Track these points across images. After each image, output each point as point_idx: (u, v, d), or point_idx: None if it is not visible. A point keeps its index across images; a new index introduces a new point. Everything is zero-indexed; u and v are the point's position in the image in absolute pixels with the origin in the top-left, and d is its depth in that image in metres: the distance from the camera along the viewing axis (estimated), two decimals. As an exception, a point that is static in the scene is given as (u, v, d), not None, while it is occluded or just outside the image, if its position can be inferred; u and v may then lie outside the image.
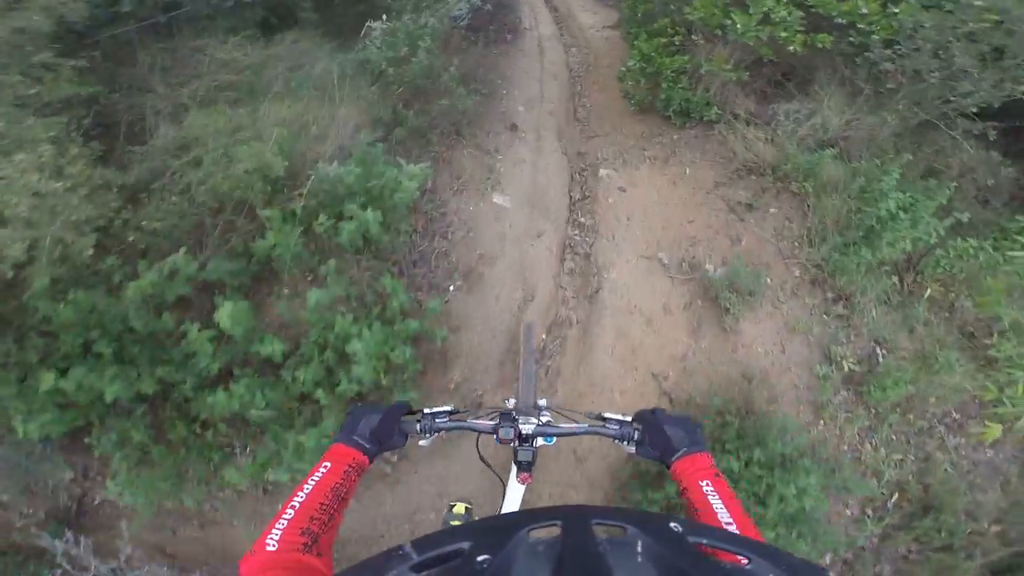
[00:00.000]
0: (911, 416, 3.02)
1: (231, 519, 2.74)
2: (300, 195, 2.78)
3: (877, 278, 3.07)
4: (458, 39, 4.00)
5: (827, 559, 2.74)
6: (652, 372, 2.97)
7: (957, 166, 3.40)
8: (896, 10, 3.12)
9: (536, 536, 0.55)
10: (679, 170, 3.53)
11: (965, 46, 3.00)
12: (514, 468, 1.21)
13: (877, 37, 3.22)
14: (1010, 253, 3.08)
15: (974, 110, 3.15)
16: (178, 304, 2.54)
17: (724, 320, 2.96)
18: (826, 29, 3.42)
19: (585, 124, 4.06)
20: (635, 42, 3.98)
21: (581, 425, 1.15)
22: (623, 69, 3.97)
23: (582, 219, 3.31)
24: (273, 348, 2.46)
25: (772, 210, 3.28)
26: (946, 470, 2.93)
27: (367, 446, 0.99)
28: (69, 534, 2.65)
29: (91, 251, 2.20)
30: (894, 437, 3.01)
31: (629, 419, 1.10)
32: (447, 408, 1.14)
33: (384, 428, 1.03)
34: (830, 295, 3.10)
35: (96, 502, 2.93)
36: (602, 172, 3.54)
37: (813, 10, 3.33)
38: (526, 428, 1.13)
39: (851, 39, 3.38)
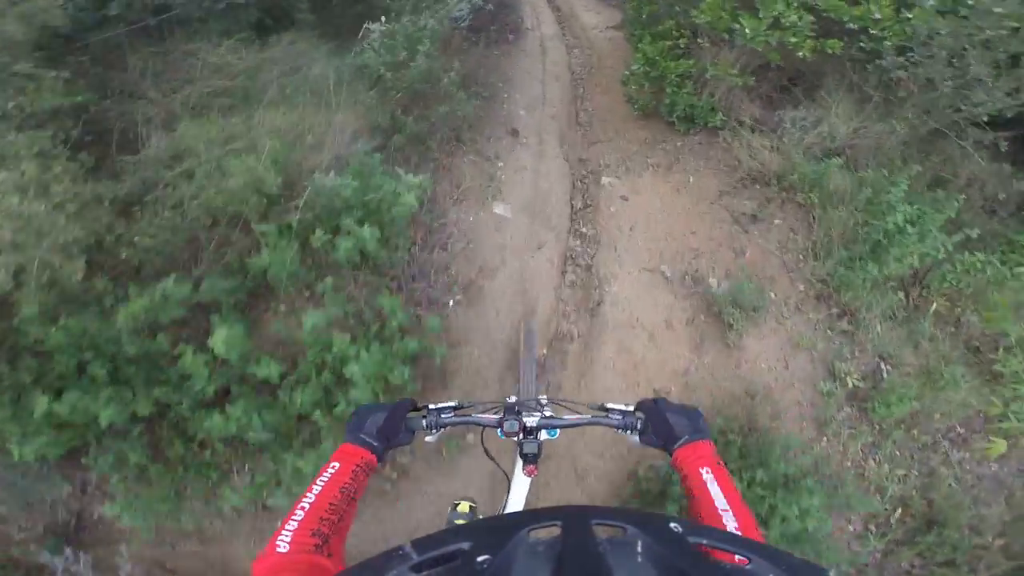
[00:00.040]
0: (915, 431, 2.95)
1: (231, 536, 2.67)
2: (296, 207, 2.66)
3: (883, 294, 2.96)
4: (459, 40, 3.83)
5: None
6: (654, 388, 2.88)
7: (965, 176, 3.27)
8: (910, 15, 2.97)
9: (536, 536, 0.55)
10: (683, 178, 3.40)
11: (981, 53, 2.86)
12: (519, 462, 1.19)
13: (889, 43, 3.06)
14: (1018, 269, 2.97)
15: (985, 119, 3.02)
16: (173, 323, 2.44)
17: (727, 336, 2.87)
18: (836, 34, 3.26)
19: (587, 129, 3.90)
20: (639, 44, 3.81)
21: (584, 416, 1.14)
22: (627, 73, 3.80)
23: (584, 229, 3.19)
24: (270, 370, 2.36)
25: (777, 221, 3.16)
26: (950, 485, 2.86)
27: (375, 444, 0.97)
28: (68, 551, 2.59)
29: (81, 275, 2.08)
30: (898, 452, 2.93)
31: (632, 409, 1.10)
32: (451, 404, 1.14)
33: (390, 425, 1.01)
34: (835, 310, 3.00)
35: (95, 516, 2.86)
36: (604, 180, 3.41)
37: (824, 14, 3.16)
38: (530, 421, 1.12)
39: (862, 45, 3.22)
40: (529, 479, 1.28)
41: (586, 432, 2.81)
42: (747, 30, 3.20)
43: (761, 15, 3.19)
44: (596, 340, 2.90)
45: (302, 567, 0.70)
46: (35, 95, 2.42)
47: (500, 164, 3.35)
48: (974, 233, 2.88)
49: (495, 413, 1.15)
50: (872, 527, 2.82)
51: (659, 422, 1.00)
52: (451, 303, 2.81)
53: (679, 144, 3.63)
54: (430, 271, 2.79)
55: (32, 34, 2.37)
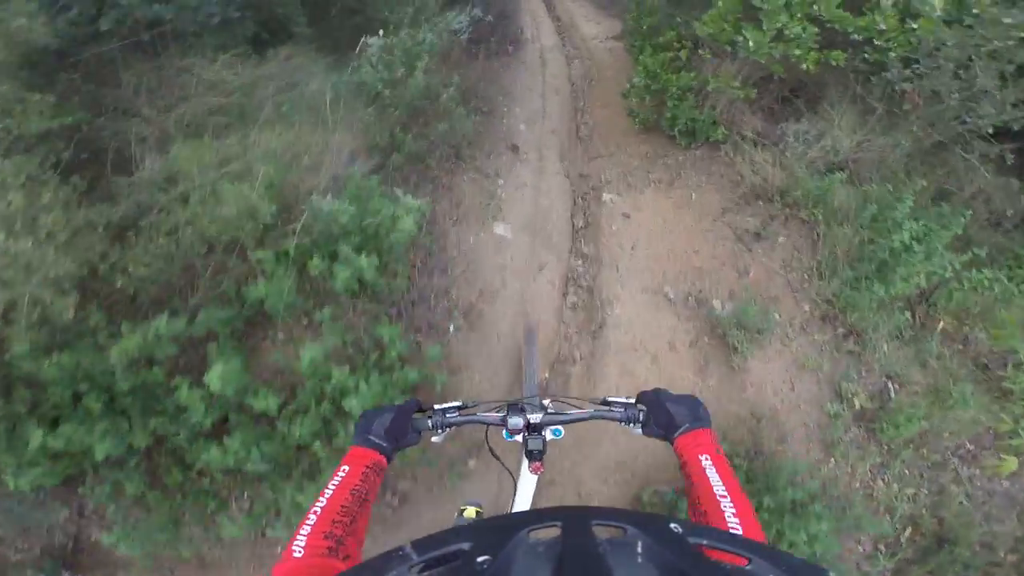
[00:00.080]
0: (924, 450, 2.87)
1: (230, 562, 2.60)
2: (294, 231, 2.55)
3: (889, 314, 2.87)
4: (458, 53, 3.70)
5: (839, 598, 2.62)
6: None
7: (970, 189, 3.18)
8: (915, 26, 2.85)
9: (537, 536, 0.54)
10: (685, 194, 3.30)
11: (987, 64, 2.75)
12: (524, 461, 1.20)
13: (894, 54, 2.95)
14: (1025, 286, 2.89)
15: (990, 131, 2.92)
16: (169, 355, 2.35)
17: (732, 359, 2.78)
18: (840, 45, 3.15)
19: (588, 143, 3.79)
20: (640, 57, 3.69)
21: (587, 411, 1.14)
22: (628, 86, 3.68)
23: (585, 249, 3.09)
24: (268, 403, 2.27)
25: (781, 239, 3.06)
26: (961, 502, 2.79)
27: (383, 445, 0.97)
28: (66, 575, 2.53)
29: (72, 311, 1.98)
30: (907, 472, 2.86)
31: (633, 401, 1.10)
32: (456, 404, 1.14)
33: (397, 426, 1.01)
34: (841, 331, 2.91)
35: (93, 539, 2.78)
36: (605, 196, 3.30)
37: (828, 25, 3.05)
38: (534, 417, 1.12)
39: (866, 56, 3.11)
40: (535, 476, 1.28)
41: (590, 457, 2.74)
42: (751, 43, 3.09)
43: (765, 27, 3.08)
44: (599, 363, 2.81)
45: (315, 571, 0.70)
46: (22, 118, 2.31)
47: (500, 181, 3.24)
48: (983, 252, 2.79)
49: (499, 412, 1.15)
50: (882, 547, 2.75)
51: (660, 412, 1.01)
52: (451, 328, 2.71)
53: (681, 159, 3.52)
54: (430, 295, 2.70)
55: (15, 55, 2.25)
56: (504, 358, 2.76)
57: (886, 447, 2.81)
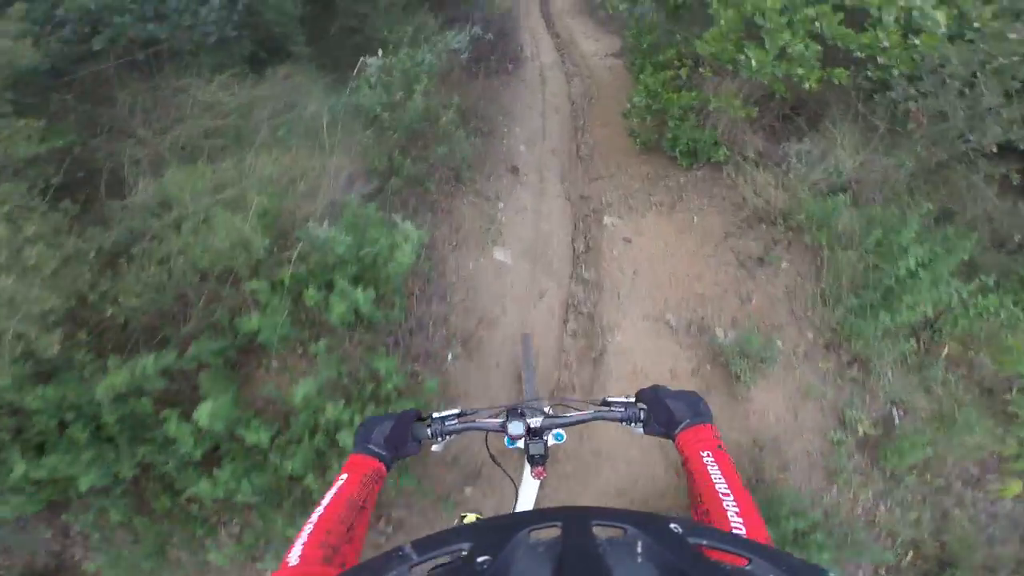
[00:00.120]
0: (928, 475, 2.79)
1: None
2: (289, 260, 2.46)
3: (895, 341, 2.78)
4: (458, 72, 3.61)
5: (841, 622, 2.53)
6: (660, 440, 2.67)
7: (972, 208, 3.08)
8: (917, 42, 2.76)
9: (536, 537, 0.53)
10: (686, 218, 3.20)
11: (992, 82, 2.67)
12: (527, 466, 1.17)
13: (897, 72, 2.86)
14: (1033, 313, 2.80)
15: (994, 149, 2.83)
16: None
17: (735, 387, 2.69)
18: (842, 63, 3.05)
19: (588, 163, 3.69)
20: (640, 75, 3.59)
21: (588, 412, 1.10)
22: (629, 106, 3.58)
23: (586, 274, 2.99)
24: (259, 437, 2.17)
25: (784, 265, 2.97)
26: (963, 526, 2.70)
27: (383, 453, 0.95)
28: (48, 598, 2.42)
29: (57, 347, 1.88)
30: (910, 497, 2.77)
31: (633, 400, 1.07)
32: (455, 411, 1.11)
33: (397, 435, 1.00)
34: (845, 358, 2.82)
35: (76, 558, 2.68)
36: (607, 220, 3.20)
37: (831, 43, 2.95)
38: (534, 422, 1.09)
39: (868, 74, 3.02)
40: (538, 482, 1.25)
41: (590, 485, 2.65)
42: (753, 62, 2.99)
43: (767, 46, 2.98)
44: (599, 391, 2.71)
45: None
46: (8, 143, 2.21)
47: (500, 204, 3.14)
48: (990, 280, 2.70)
49: (499, 418, 1.11)
50: (883, 572, 2.67)
51: (660, 409, 0.98)
52: (450, 356, 2.62)
53: (682, 180, 3.43)
54: (428, 324, 2.60)
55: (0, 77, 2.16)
56: (503, 386, 2.67)
57: (889, 473, 2.73)
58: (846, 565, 2.58)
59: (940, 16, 2.67)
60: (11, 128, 2.20)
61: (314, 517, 0.79)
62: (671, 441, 0.96)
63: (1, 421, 2.16)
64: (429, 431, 1.06)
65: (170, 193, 2.42)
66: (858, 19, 2.90)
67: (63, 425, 2.19)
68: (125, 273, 2.36)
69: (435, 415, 1.10)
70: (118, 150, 2.72)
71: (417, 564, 0.52)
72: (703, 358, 2.76)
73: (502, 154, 3.44)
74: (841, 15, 2.80)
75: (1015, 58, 2.59)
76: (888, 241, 2.83)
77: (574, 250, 3.12)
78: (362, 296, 2.14)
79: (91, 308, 2.32)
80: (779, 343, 2.79)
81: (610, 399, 1.09)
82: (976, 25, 2.70)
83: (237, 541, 2.42)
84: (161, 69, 3.08)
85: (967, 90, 2.76)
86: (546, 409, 1.18)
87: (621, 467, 2.68)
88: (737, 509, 0.75)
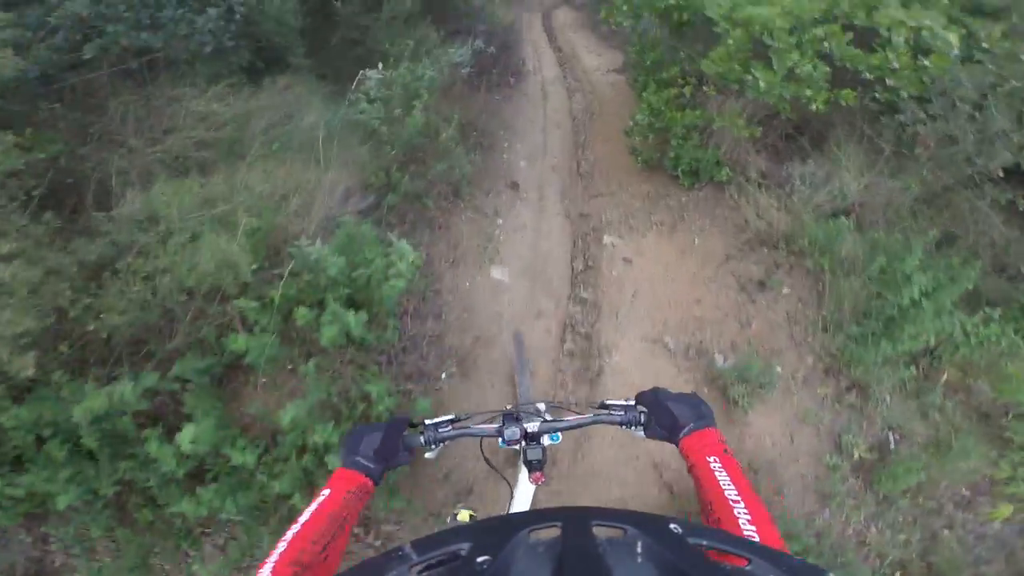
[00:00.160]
0: (920, 498, 2.71)
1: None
2: (280, 276, 2.36)
3: (895, 368, 2.70)
4: (460, 86, 3.52)
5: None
6: (654, 461, 2.62)
7: (974, 231, 3.00)
8: (927, 63, 2.67)
9: (536, 537, 0.53)
10: (687, 239, 3.12)
11: (1003, 105, 2.59)
12: (523, 471, 1.13)
13: (906, 94, 2.77)
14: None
15: (1000, 173, 2.75)
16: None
17: (732, 412, 2.59)
18: (850, 84, 2.96)
19: (588, 180, 3.60)
20: (643, 93, 3.51)
21: (586, 416, 1.08)
22: (631, 124, 3.49)
23: (584, 294, 2.90)
24: (245, 458, 2.07)
25: (785, 290, 2.88)
26: (951, 547, 2.63)
27: (371, 467, 0.89)
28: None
29: (32, 371, 1.78)
30: (901, 519, 2.71)
31: (633, 403, 1.03)
32: (448, 417, 1.07)
33: (388, 446, 0.93)
34: (844, 384, 2.74)
35: (57, 564, 2.57)
36: (606, 239, 3.11)
37: (838, 64, 2.87)
38: (531, 426, 1.04)
39: (876, 95, 2.93)
40: (534, 487, 1.21)
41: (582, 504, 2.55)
42: (761, 83, 2.89)
43: (775, 66, 2.89)
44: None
45: None
46: (-15, 157, 2.10)
47: (499, 221, 3.05)
48: (995, 313, 2.61)
49: (494, 423, 1.07)
50: (869, 592, 2.59)
51: (661, 413, 0.94)
52: (444, 376, 2.52)
53: (684, 200, 3.34)
54: (422, 343, 2.51)
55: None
56: (499, 406, 2.57)
57: (882, 496, 2.66)
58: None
59: (952, 37, 2.59)
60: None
61: (288, 535, 0.74)
62: (674, 445, 0.92)
63: (-22, 438, 2.06)
64: (422, 439, 1.02)
65: (157, 208, 2.32)
66: (867, 39, 2.82)
67: (40, 440, 2.09)
68: (109, 287, 2.25)
69: (428, 422, 1.05)
70: (107, 159, 2.62)
71: (417, 564, 0.51)
72: (700, 381, 2.67)
73: (502, 169, 3.35)
74: (850, 35, 2.71)
75: None
76: (892, 268, 2.75)
77: (573, 269, 3.03)
78: (354, 319, 2.04)
79: (73, 322, 2.22)
80: (778, 368, 2.70)
81: (609, 402, 1.06)
82: (985, 46, 2.63)
83: (222, 554, 2.32)
84: (155, 78, 2.99)
85: (977, 114, 2.68)
86: (543, 411, 1.13)
87: (615, 491, 2.59)
88: (749, 516, 0.72)
